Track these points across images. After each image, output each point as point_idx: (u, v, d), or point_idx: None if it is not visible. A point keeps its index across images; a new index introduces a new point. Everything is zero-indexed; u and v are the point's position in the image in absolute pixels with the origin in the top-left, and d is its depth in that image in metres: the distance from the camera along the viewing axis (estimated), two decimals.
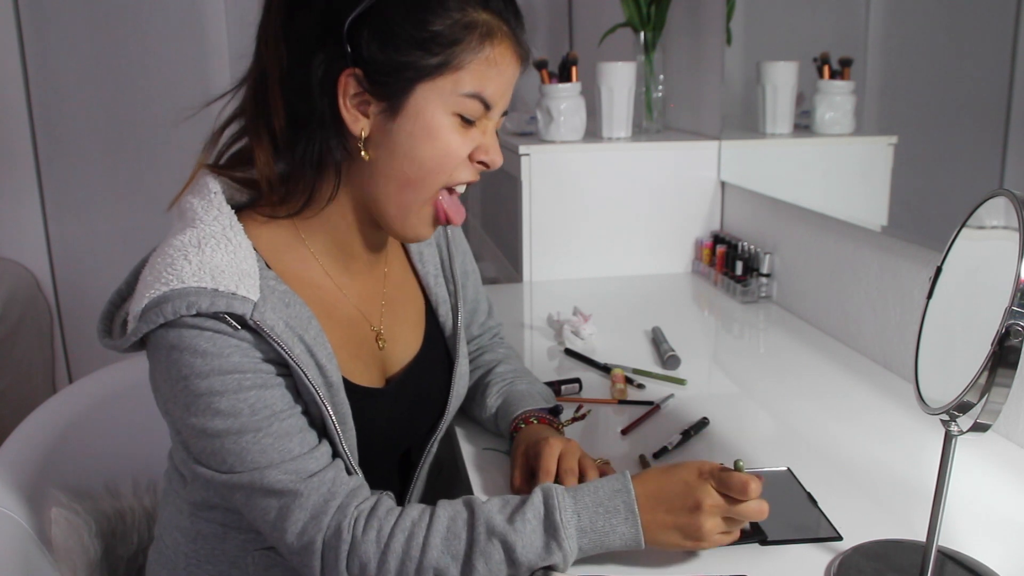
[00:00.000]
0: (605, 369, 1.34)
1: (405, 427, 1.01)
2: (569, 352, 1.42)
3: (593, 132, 1.95)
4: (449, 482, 1.13)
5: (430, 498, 0.92)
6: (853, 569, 0.80)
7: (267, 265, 0.87)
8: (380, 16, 0.81)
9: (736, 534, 0.82)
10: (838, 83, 1.48)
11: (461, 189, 0.91)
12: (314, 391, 0.83)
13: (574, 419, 1.14)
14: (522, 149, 1.82)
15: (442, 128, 0.85)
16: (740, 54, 1.84)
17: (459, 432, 1.13)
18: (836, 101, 1.50)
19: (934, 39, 1.27)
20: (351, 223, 0.92)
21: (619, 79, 1.89)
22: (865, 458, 1.05)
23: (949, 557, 0.82)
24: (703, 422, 1.12)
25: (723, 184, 1.92)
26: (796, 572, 0.82)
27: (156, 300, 0.78)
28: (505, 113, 0.91)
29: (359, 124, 0.85)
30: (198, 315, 0.77)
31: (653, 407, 1.18)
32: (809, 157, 1.68)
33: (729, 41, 1.86)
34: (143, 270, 0.83)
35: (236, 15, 2.76)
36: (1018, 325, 0.65)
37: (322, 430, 0.86)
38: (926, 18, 1.29)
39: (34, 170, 2.76)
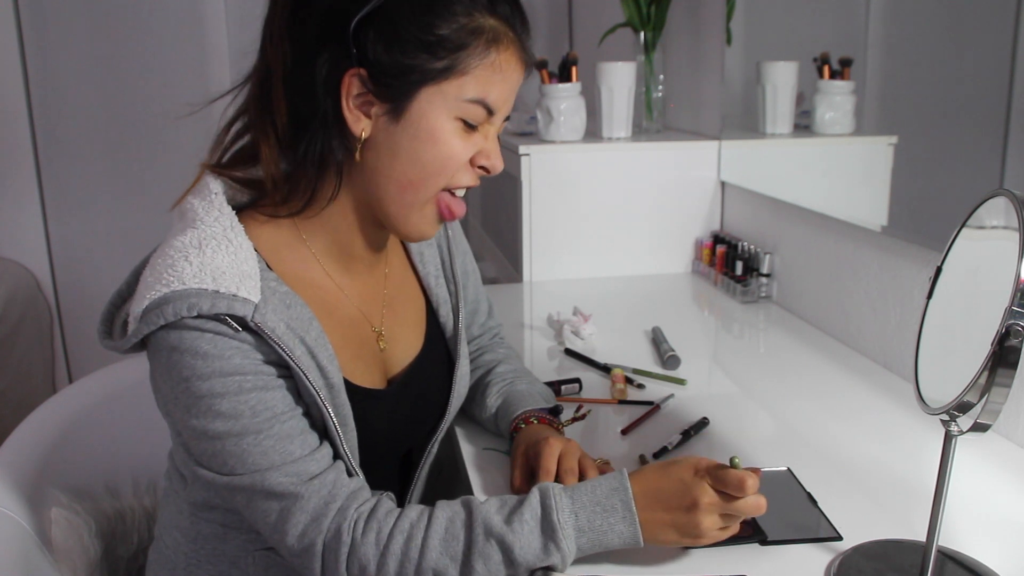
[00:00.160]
0: (605, 369, 1.34)
1: (406, 428, 1.01)
2: (569, 352, 1.42)
3: (593, 132, 1.95)
4: (449, 482, 1.13)
5: (430, 498, 0.92)
6: (853, 569, 0.80)
7: (268, 266, 0.87)
8: (387, 17, 0.81)
9: (734, 528, 0.82)
10: (838, 83, 1.48)
11: (461, 192, 0.91)
12: (315, 393, 0.83)
13: (574, 419, 1.14)
14: (522, 149, 1.82)
15: (444, 132, 0.85)
16: (740, 54, 1.84)
17: (459, 432, 1.13)
18: (836, 101, 1.50)
19: (934, 39, 1.27)
20: (352, 223, 0.92)
21: (619, 79, 1.89)
22: (865, 458, 1.05)
23: (949, 557, 0.82)
24: (703, 422, 1.12)
25: (723, 184, 1.92)
26: (796, 572, 0.82)
27: (157, 301, 0.78)
28: (507, 118, 0.91)
29: (360, 124, 0.84)
30: (199, 317, 0.77)
31: (653, 407, 1.18)
32: (809, 157, 1.68)
33: (729, 41, 1.86)
34: (143, 271, 0.83)
35: (236, 15, 2.75)
36: (1018, 325, 0.65)
37: (323, 431, 0.86)
38: (926, 18, 1.29)
39: (34, 170, 2.76)
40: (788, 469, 0.99)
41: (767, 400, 1.26)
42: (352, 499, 0.82)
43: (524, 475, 0.95)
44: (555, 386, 1.21)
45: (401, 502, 1.02)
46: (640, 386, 1.27)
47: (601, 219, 1.88)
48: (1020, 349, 0.65)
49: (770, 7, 1.77)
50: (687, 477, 0.81)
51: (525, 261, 1.88)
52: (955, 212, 0.77)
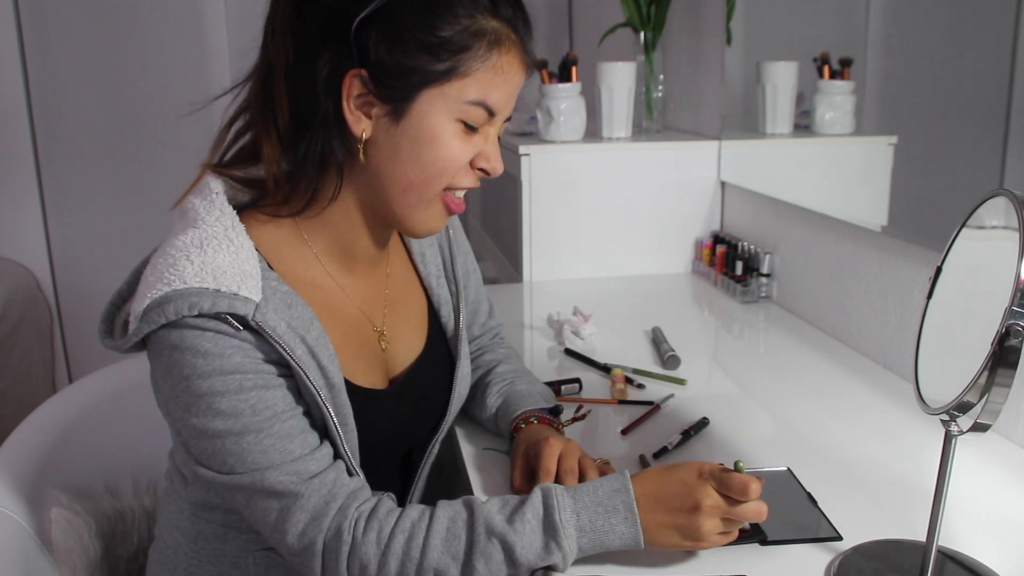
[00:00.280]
0: (605, 369, 1.34)
1: (407, 428, 1.01)
2: (569, 352, 1.42)
3: (593, 132, 1.95)
4: (450, 483, 1.12)
5: (431, 499, 0.92)
6: (853, 569, 0.80)
7: (269, 266, 0.87)
8: (389, 18, 0.80)
9: (734, 534, 0.82)
10: (838, 83, 1.48)
11: (460, 193, 0.91)
12: (315, 392, 0.83)
13: (574, 419, 1.14)
14: (522, 149, 1.82)
15: (445, 134, 0.84)
16: (740, 54, 1.84)
17: (459, 432, 1.13)
18: (836, 101, 1.50)
19: (934, 39, 1.27)
20: (354, 223, 0.92)
21: (619, 79, 1.89)
22: (865, 458, 1.05)
23: (949, 557, 0.82)
24: (703, 422, 1.12)
25: (723, 184, 1.92)
26: (796, 572, 0.82)
27: (158, 300, 0.78)
28: (508, 119, 0.90)
29: (361, 125, 0.84)
30: (200, 316, 0.77)
31: (653, 407, 1.18)
32: (809, 157, 1.68)
33: (729, 41, 1.86)
34: (144, 270, 0.83)
35: (236, 15, 2.76)
36: (1018, 325, 0.65)
37: (323, 431, 0.86)
38: (926, 18, 1.29)
39: (34, 170, 2.76)
40: (788, 469, 0.99)
41: (767, 400, 1.26)
42: (353, 498, 0.82)
43: (524, 475, 0.95)
44: (555, 386, 1.21)
45: (402, 502, 1.02)
46: (640, 386, 1.27)
47: (601, 219, 1.88)
48: (1020, 349, 0.65)
49: (770, 7, 1.77)
50: (690, 480, 0.81)
51: (525, 261, 1.88)
52: (955, 212, 0.77)
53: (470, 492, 0.98)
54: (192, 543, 0.94)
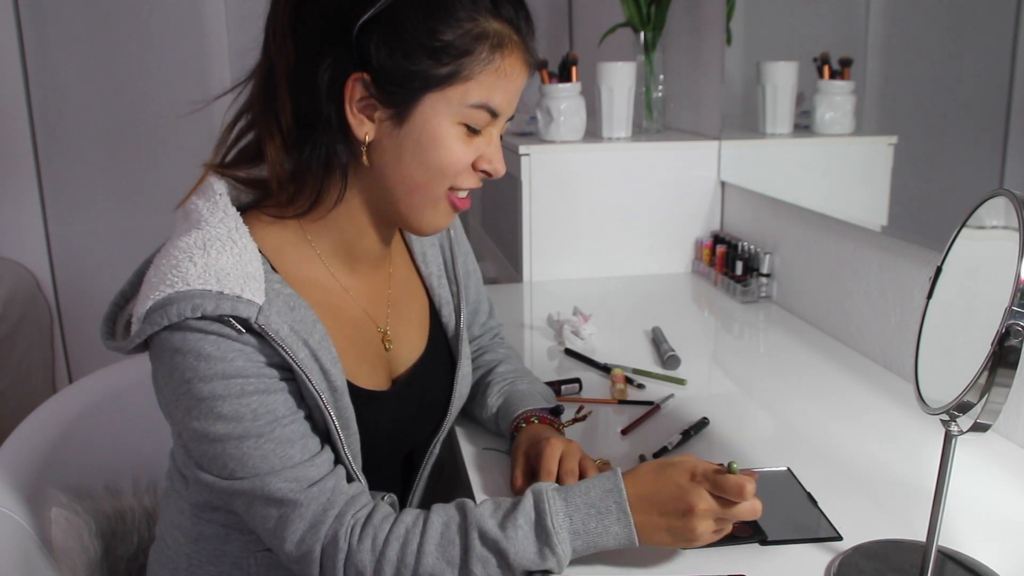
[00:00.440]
0: (605, 369, 1.34)
1: (409, 429, 1.01)
2: (569, 352, 1.42)
3: (593, 132, 1.95)
4: (450, 483, 1.12)
5: (432, 499, 0.91)
6: (853, 569, 0.80)
7: (272, 268, 0.86)
8: (390, 22, 0.80)
9: (728, 529, 0.82)
10: (838, 83, 1.48)
11: (463, 193, 0.91)
12: (317, 396, 0.82)
13: (575, 420, 1.14)
14: (522, 149, 1.82)
15: (448, 137, 0.84)
16: (740, 54, 1.84)
17: (459, 432, 1.13)
18: (836, 101, 1.50)
19: (934, 39, 1.27)
20: (359, 224, 0.91)
21: (619, 79, 1.89)
22: (865, 458, 1.05)
23: (949, 557, 0.82)
24: (703, 422, 1.12)
25: (723, 184, 1.92)
26: (796, 572, 0.82)
27: (161, 302, 0.77)
28: (511, 118, 0.90)
29: (364, 128, 0.84)
30: (203, 318, 0.77)
31: (653, 407, 1.18)
32: (809, 157, 1.68)
33: (729, 41, 1.86)
34: (147, 271, 0.83)
35: (236, 15, 2.75)
36: (1018, 325, 0.65)
37: (325, 435, 0.85)
38: (926, 18, 1.29)
39: (34, 170, 2.76)
40: (788, 469, 0.99)
41: (767, 400, 1.26)
42: (350, 505, 0.82)
43: (525, 475, 0.95)
44: (555, 386, 1.21)
45: (403, 504, 1.02)
46: (640, 386, 1.27)
47: (601, 219, 1.88)
48: (1020, 349, 0.65)
49: (770, 7, 1.77)
50: (683, 481, 0.80)
51: (525, 261, 1.88)
52: (955, 212, 0.77)
53: (470, 492, 0.98)
54: (193, 543, 0.94)
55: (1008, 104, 1.07)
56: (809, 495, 0.94)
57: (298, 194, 0.88)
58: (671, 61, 2.18)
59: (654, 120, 2.10)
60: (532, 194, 1.84)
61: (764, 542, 0.85)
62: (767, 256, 1.68)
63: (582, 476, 0.91)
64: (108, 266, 2.81)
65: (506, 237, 2.13)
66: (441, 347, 1.05)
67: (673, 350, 1.36)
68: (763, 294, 1.69)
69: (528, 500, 0.81)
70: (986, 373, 0.66)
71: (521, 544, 0.78)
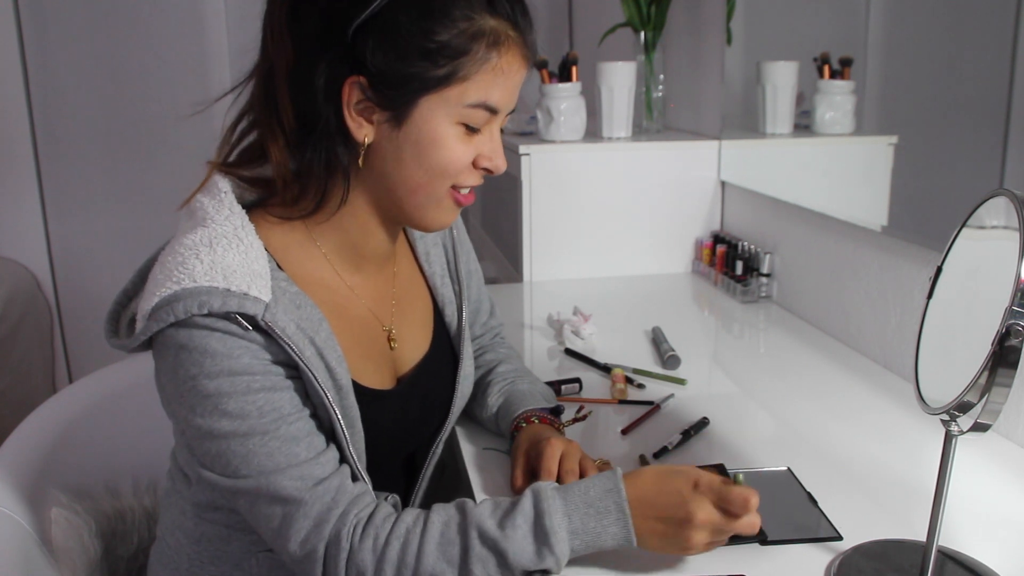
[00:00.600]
0: (605, 369, 1.34)
1: (412, 428, 1.01)
2: (569, 352, 1.42)
3: (593, 132, 1.95)
4: (452, 483, 1.12)
5: (434, 499, 0.91)
6: (853, 569, 0.80)
7: (278, 266, 0.86)
8: (385, 24, 0.79)
9: (722, 542, 0.81)
10: (838, 83, 1.48)
11: (466, 191, 0.91)
12: (323, 394, 0.82)
13: (575, 419, 1.14)
14: (522, 149, 1.82)
15: (447, 138, 0.84)
16: (740, 54, 1.84)
17: (459, 432, 1.13)
18: (836, 101, 1.50)
19: (934, 39, 1.27)
20: (364, 224, 0.91)
21: (619, 79, 1.89)
22: (865, 458, 1.05)
23: (949, 557, 0.82)
24: (703, 422, 1.12)
25: (723, 184, 1.92)
26: (796, 572, 0.82)
27: (167, 299, 0.77)
28: (512, 111, 0.89)
29: (363, 131, 0.84)
30: (209, 315, 0.77)
31: (653, 407, 1.18)
32: (809, 157, 1.68)
33: (729, 41, 1.86)
34: (153, 268, 0.82)
35: (236, 15, 2.75)
36: (1018, 325, 0.65)
37: (330, 434, 0.85)
38: (926, 18, 1.29)
39: (34, 170, 2.76)
40: (788, 469, 0.99)
41: (767, 400, 1.26)
42: (353, 504, 0.82)
43: (525, 474, 0.95)
44: (555, 386, 1.21)
45: (406, 503, 1.02)
46: (640, 386, 1.27)
47: (601, 219, 1.88)
48: (1020, 349, 0.65)
49: (770, 7, 1.77)
50: (685, 491, 0.79)
51: (525, 261, 1.88)
52: (955, 212, 0.77)
53: (471, 492, 0.98)
54: (195, 544, 0.94)
55: (1008, 104, 1.07)
56: (809, 495, 0.94)
57: (303, 195, 0.87)
58: (671, 61, 2.18)
59: (654, 120, 2.10)
60: (532, 194, 1.84)
61: (764, 542, 0.85)
62: (767, 256, 1.68)
63: (582, 476, 0.91)
64: (108, 266, 2.81)
65: (506, 237, 2.13)
66: (444, 346, 1.05)
67: (673, 350, 1.36)
68: (763, 294, 1.69)
69: (527, 500, 0.80)
70: (986, 373, 0.66)
71: (519, 544, 0.78)
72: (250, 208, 0.88)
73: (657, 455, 1.04)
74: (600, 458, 0.98)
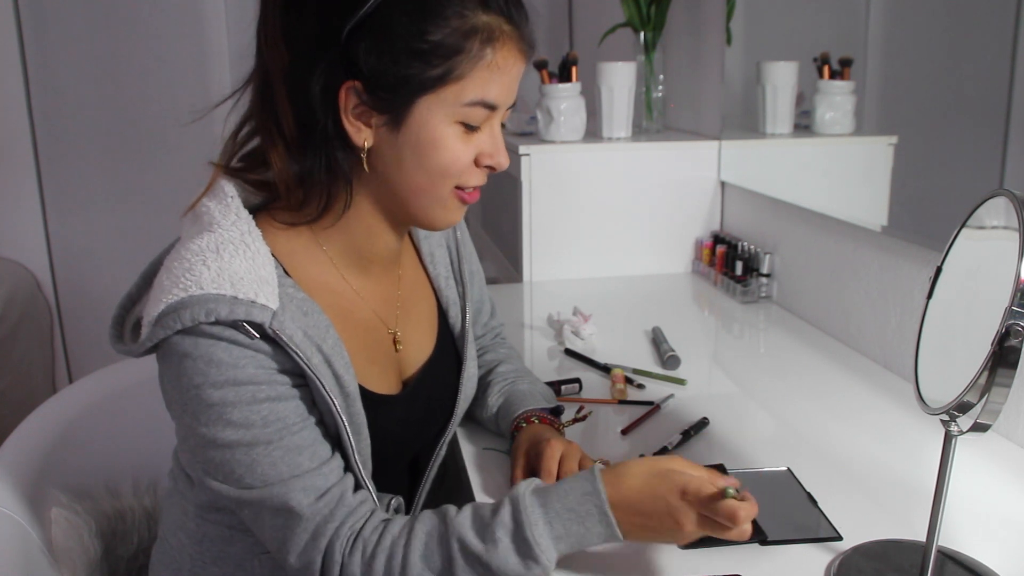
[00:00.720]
0: (605, 369, 1.33)
1: (417, 431, 1.00)
2: (569, 352, 1.42)
3: (593, 132, 1.95)
4: (454, 484, 1.12)
5: (437, 501, 0.91)
6: (853, 569, 0.80)
7: (285, 272, 0.85)
8: (378, 26, 0.79)
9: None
10: (838, 83, 1.48)
11: (470, 189, 0.90)
12: (331, 402, 0.82)
13: (575, 420, 1.14)
14: (522, 149, 1.82)
15: (446, 138, 0.83)
16: (740, 54, 1.84)
17: (459, 432, 1.13)
18: (836, 101, 1.50)
19: (934, 39, 1.27)
20: (370, 227, 0.91)
21: (619, 79, 1.89)
22: (865, 458, 1.05)
23: (949, 557, 0.82)
24: (703, 422, 1.12)
25: (723, 184, 1.92)
26: (796, 572, 0.82)
27: (174, 305, 0.76)
28: (513, 105, 0.89)
29: (361, 135, 0.83)
30: (216, 323, 0.76)
31: (653, 407, 1.18)
32: (809, 157, 1.68)
33: (729, 41, 1.86)
34: (159, 273, 0.82)
35: (236, 15, 2.75)
36: (1018, 325, 0.65)
37: (336, 441, 0.85)
38: (926, 18, 1.29)
39: (34, 170, 2.76)
40: (788, 469, 0.99)
41: (767, 400, 1.26)
42: (349, 516, 0.81)
43: (525, 475, 0.95)
44: (555, 386, 1.21)
45: (409, 505, 1.02)
46: (640, 386, 1.27)
47: (601, 219, 1.88)
48: (1020, 349, 0.65)
49: (770, 7, 1.77)
50: (673, 500, 0.77)
51: (525, 261, 1.88)
52: (955, 212, 0.77)
53: (471, 492, 0.98)
54: (197, 545, 0.94)
55: (1008, 104, 1.07)
56: (809, 495, 0.94)
57: (307, 200, 0.86)
58: (671, 61, 2.18)
59: (654, 120, 2.10)
60: (532, 194, 1.84)
61: (764, 542, 0.85)
62: (767, 256, 1.68)
63: None
64: (108, 266, 2.81)
65: (506, 237, 2.13)
66: (448, 348, 1.05)
67: (673, 350, 1.36)
68: (763, 294, 1.69)
69: (506, 511, 0.79)
70: (986, 373, 0.66)
71: (503, 557, 0.77)
72: (255, 212, 0.87)
73: (657, 456, 1.04)
74: (600, 458, 0.98)
